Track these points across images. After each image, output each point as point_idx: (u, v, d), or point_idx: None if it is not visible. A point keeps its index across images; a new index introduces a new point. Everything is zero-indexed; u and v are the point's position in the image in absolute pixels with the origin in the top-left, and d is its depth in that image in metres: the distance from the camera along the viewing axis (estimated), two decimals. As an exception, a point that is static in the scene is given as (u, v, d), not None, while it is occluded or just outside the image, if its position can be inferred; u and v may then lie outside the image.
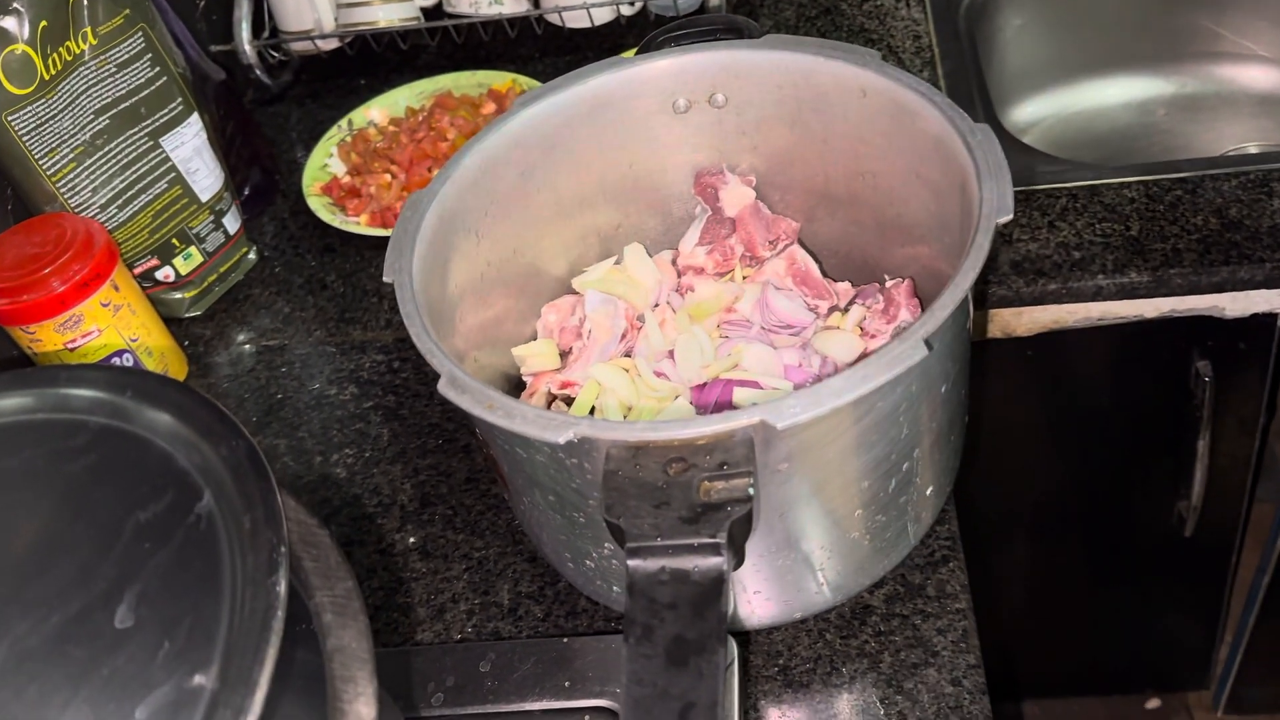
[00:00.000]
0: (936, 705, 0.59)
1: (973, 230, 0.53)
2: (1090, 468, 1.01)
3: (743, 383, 0.62)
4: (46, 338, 0.77)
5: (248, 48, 1.04)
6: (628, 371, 0.66)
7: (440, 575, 0.69)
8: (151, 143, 0.85)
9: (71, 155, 0.80)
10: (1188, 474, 0.95)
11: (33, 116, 0.77)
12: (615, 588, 0.59)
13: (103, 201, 0.83)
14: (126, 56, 0.82)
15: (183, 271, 0.89)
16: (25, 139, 0.78)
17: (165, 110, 0.85)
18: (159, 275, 0.89)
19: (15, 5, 0.74)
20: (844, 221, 0.71)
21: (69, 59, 0.79)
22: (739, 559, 0.46)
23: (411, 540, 0.72)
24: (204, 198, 0.89)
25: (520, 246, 0.69)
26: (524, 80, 1.03)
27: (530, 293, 0.70)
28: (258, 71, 1.06)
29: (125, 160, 0.84)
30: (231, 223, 0.92)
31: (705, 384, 0.64)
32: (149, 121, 0.84)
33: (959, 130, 0.58)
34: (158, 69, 0.84)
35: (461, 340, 0.62)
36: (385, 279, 0.57)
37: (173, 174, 0.86)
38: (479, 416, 0.49)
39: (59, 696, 0.34)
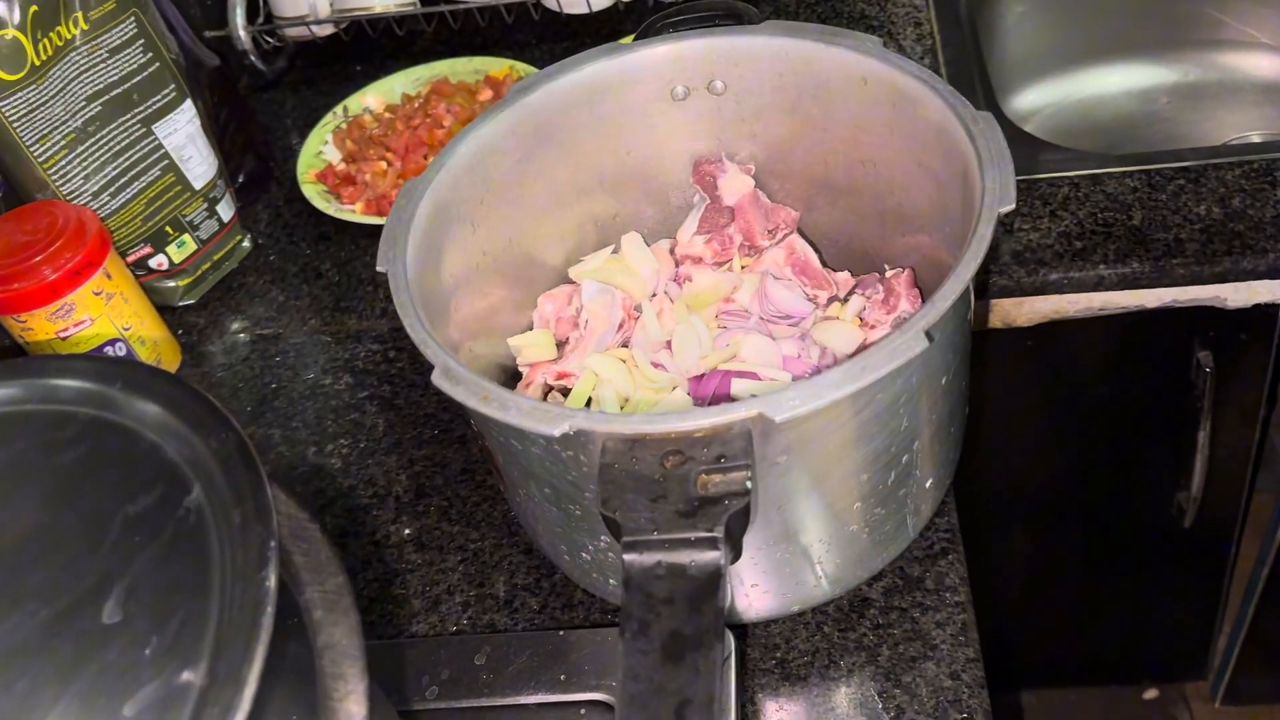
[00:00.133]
0: (935, 699, 0.59)
1: (974, 220, 0.52)
2: (1090, 458, 1.01)
3: (741, 374, 0.62)
4: (38, 327, 0.76)
5: (242, 33, 1.03)
6: (625, 362, 0.65)
7: (435, 567, 0.69)
8: (144, 129, 0.84)
9: (63, 142, 0.80)
10: (1187, 465, 0.94)
11: (23, 103, 0.76)
12: (612, 580, 0.59)
13: (95, 189, 0.82)
14: (118, 42, 0.81)
15: (176, 259, 0.89)
16: (16, 126, 0.77)
17: (158, 97, 0.84)
18: (152, 263, 0.88)
19: (5, -11, 0.73)
20: (844, 210, 0.71)
21: (60, 44, 0.78)
22: (736, 553, 0.45)
23: (407, 532, 0.71)
24: (197, 185, 0.88)
25: (516, 235, 0.68)
26: (521, 66, 1.02)
27: (526, 282, 0.70)
28: (252, 58, 1.05)
29: (117, 147, 0.83)
30: (225, 210, 0.91)
31: (703, 375, 0.63)
32: (141, 108, 0.83)
33: (961, 118, 0.57)
34: (150, 55, 0.83)
35: (456, 330, 0.61)
36: (379, 268, 0.57)
37: (166, 161, 0.86)
38: (473, 408, 0.49)
39: (48, 691, 0.34)
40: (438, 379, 0.50)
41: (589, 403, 0.64)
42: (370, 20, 1.05)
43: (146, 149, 0.84)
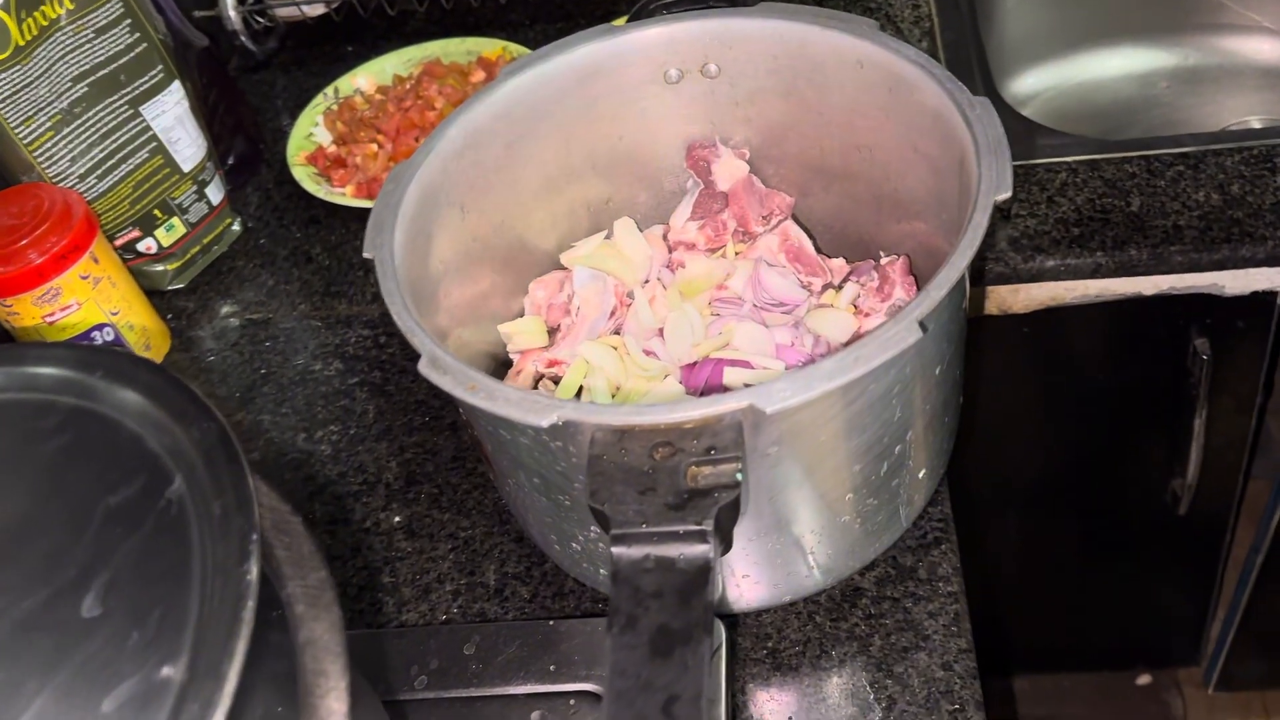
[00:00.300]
0: (927, 690, 0.58)
1: (970, 208, 0.51)
2: (1086, 445, 1.00)
3: (734, 362, 0.61)
4: (24, 311, 0.75)
5: (232, 13, 1.01)
6: (617, 350, 0.64)
7: (426, 555, 0.68)
8: (131, 111, 0.83)
9: (49, 124, 0.78)
10: (1183, 452, 0.94)
11: (8, 84, 0.75)
12: (602, 570, 0.58)
13: (81, 171, 0.81)
14: (104, 22, 0.80)
15: (165, 243, 0.88)
16: (0, 107, 0.75)
17: (145, 78, 0.83)
18: (140, 247, 0.87)
19: (-13, -32, 0.72)
20: (839, 196, 0.70)
21: (45, 24, 0.76)
22: (726, 546, 0.45)
23: (397, 519, 0.70)
24: (186, 168, 0.87)
25: (507, 220, 0.67)
26: (514, 48, 1.01)
27: (517, 268, 0.69)
28: (243, 38, 1.04)
29: (104, 129, 0.82)
30: (215, 193, 0.90)
31: (695, 363, 0.62)
32: (129, 89, 0.82)
33: (958, 104, 0.56)
34: (137, 35, 0.82)
35: (445, 317, 0.61)
36: (365, 254, 0.56)
37: (154, 143, 0.84)
38: (460, 398, 0.48)
39: (28, 686, 0.34)
40: (424, 368, 0.50)
41: (580, 391, 0.63)
42: (362, 0, 1.04)
43: (134, 131, 0.83)
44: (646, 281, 0.69)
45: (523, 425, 0.47)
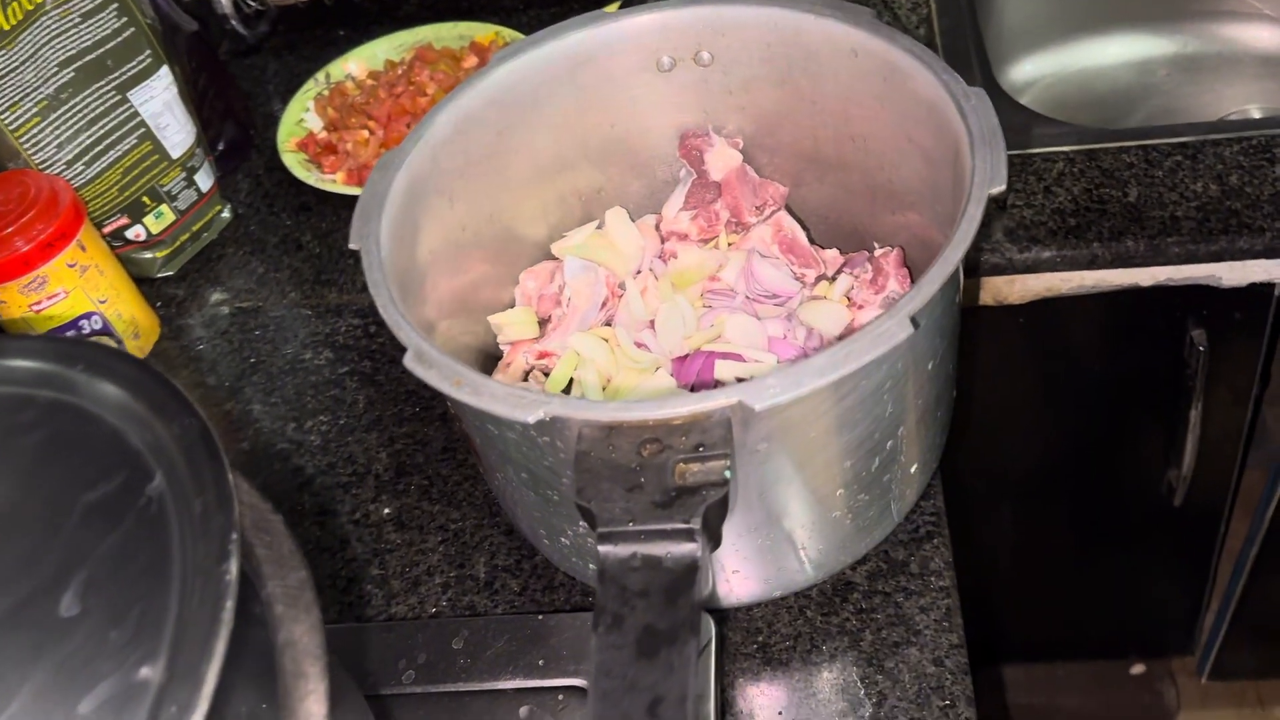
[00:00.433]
0: (918, 685, 0.58)
1: (964, 200, 0.51)
2: (1081, 436, 1.00)
3: (725, 355, 0.60)
4: (11, 300, 0.75)
5: (222, -3, 1.00)
6: (608, 341, 0.64)
7: (415, 547, 0.68)
8: (119, 97, 0.82)
9: (35, 110, 0.78)
10: (1179, 444, 0.94)
11: (-8, 69, 0.74)
12: (591, 565, 0.58)
13: (68, 158, 0.80)
14: (91, 6, 0.79)
15: (154, 230, 0.87)
16: (-15, 92, 0.75)
17: (133, 63, 0.82)
18: (129, 234, 0.86)
19: (-30, -49, 0.71)
20: (833, 186, 0.69)
21: (30, 8, 0.75)
22: (715, 543, 0.44)
23: (386, 511, 0.70)
24: (175, 154, 0.86)
25: (497, 210, 0.66)
26: (507, 32, 1.00)
27: (507, 258, 0.68)
28: (233, 22, 1.02)
29: (92, 115, 0.81)
30: (204, 180, 0.89)
31: (686, 356, 0.62)
32: (116, 74, 0.81)
33: (953, 95, 0.55)
34: (125, 19, 0.81)
35: (433, 309, 0.60)
36: (351, 245, 0.55)
37: (142, 129, 0.84)
38: (446, 393, 0.47)
39: (4, 685, 0.33)
40: (410, 363, 0.49)
41: (570, 384, 0.63)
42: (353, -16, 1.03)
43: (122, 117, 0.82)
44: (638, 272, 0.68)
45: (509, 420, 0.46)
